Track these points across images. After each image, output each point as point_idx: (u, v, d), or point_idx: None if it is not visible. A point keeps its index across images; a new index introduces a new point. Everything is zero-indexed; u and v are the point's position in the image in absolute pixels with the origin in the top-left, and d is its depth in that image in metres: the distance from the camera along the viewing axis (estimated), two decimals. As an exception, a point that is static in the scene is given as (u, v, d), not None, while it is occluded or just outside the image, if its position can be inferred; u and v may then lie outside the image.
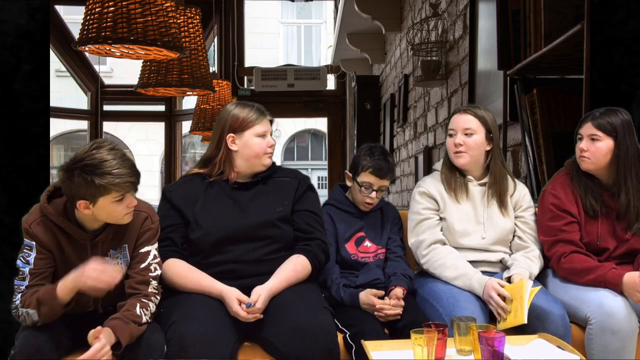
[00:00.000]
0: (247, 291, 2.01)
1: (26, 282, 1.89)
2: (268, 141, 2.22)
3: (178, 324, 1.90)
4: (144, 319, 1.88)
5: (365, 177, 2.38)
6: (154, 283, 1.98)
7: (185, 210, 2.16)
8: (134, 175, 1.89)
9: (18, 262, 1.91)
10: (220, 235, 2.11)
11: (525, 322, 2.01)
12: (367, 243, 2.40)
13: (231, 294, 1.99)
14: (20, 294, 1.88)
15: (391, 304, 2.12)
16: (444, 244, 2.33)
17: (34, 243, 1.90)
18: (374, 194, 2.38)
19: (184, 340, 1.85)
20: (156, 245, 2.04)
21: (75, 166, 1.83)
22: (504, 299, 2.11)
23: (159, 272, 2.01)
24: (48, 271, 1.92)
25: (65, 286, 1.84)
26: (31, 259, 1.90)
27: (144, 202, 2.06)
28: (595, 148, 2.21)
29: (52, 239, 1.92)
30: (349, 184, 2.46)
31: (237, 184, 2.23)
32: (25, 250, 1.91)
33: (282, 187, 2.24)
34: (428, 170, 4.30)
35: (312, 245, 2.17)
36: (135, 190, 1.92)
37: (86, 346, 1.78)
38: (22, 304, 1.86)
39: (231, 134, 2.20)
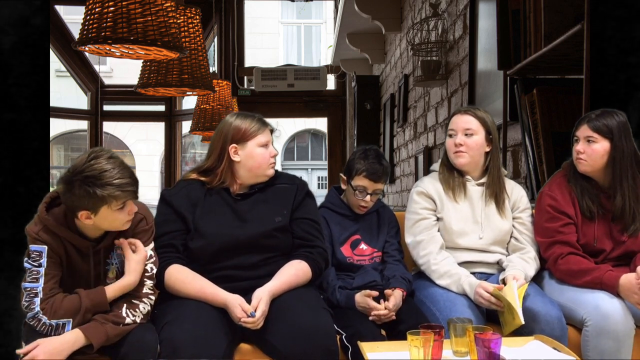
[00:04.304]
0: (245, 294, 2.00)
1: (40, 284, 1.86)
2: (270, 151, 2.21)
3: (170, 325, 1.90)
4: (129, 320, 1.88)
5: (359, 181, 2.36)
6: (149, 283, 1.98)
7: (187, 216, 2.15)
8: (134, 184, 1.88)
9: (26, 264, 1.88)
10: (219, 246, 2.10)
11: (523, 322, 2.01)
12: (363, 246, 2.39)
13: (234, 301, 1.97)
14: (39, 299, 1.84)
15: (386, 307, 2.11)
16: (441, 247, 2.32)
17: (45, 247, 1.88)
18: (368, 197, 2.37)
19: (176, 341, 1.85)
20: (152, 245, 2.04)
21: (76, 178, 1.81)
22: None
23: (154, 271, 2.01)
24: (59, 275, 1.92)
25: (115, 288, 1.91)
26: (44, 262, 1.88)
27: (139, 203, 2.06)
28: (591, 150, 2.21)
29: (59, 246, 1.91)
30: (343, 187, 2.45)
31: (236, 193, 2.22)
32: (34, 255, 1.88)
33: (281, 194, 2.23)
34: (428, 170, 4.30)
35: (314, 253, 2.16)
36: (136, 197, 1.92)
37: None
38: (47, 314, 1.83)
39: (234, 145, 2.18)
